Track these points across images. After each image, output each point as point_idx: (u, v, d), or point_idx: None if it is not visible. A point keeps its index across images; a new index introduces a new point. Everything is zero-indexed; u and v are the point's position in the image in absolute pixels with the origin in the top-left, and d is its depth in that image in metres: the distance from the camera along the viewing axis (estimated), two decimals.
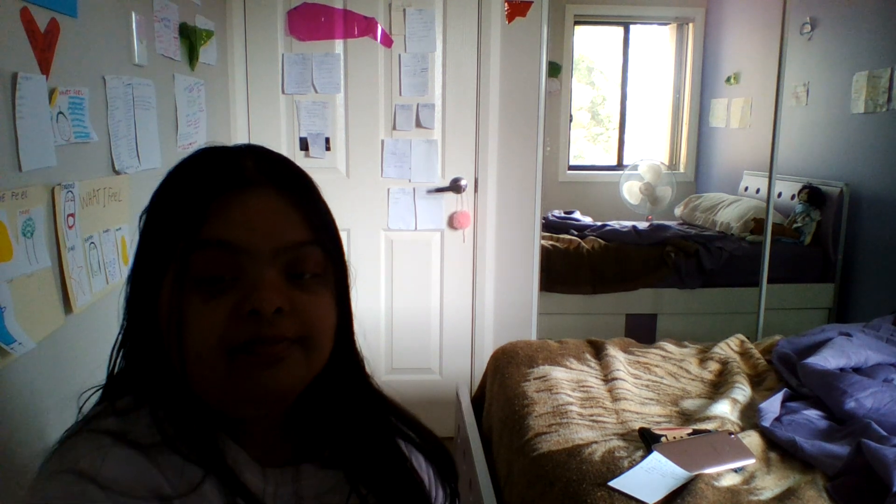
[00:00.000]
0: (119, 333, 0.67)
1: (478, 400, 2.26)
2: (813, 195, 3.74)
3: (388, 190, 2.72)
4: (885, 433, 1.59)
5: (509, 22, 2.67)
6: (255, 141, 2.66)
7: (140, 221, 0.66)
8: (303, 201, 0.64)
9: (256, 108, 2.65)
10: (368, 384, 0.74)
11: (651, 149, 5.86)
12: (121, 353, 0.67)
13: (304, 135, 2.68)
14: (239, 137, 2.62)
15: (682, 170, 5.67)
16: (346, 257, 0.69)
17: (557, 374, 2.00)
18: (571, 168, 5.68)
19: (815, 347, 2.05)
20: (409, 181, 2.73)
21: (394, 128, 2.70)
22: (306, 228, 0.63)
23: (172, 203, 0.63)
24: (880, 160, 3.44)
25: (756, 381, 2.06)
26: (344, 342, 0.69)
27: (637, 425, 1.68)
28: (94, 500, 0.55)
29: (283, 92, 2.65)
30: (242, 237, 0.60)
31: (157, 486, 0.58)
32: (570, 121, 5.63)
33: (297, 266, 0.62)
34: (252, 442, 0.66)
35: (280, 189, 0.63)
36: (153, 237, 0.64)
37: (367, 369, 0.74)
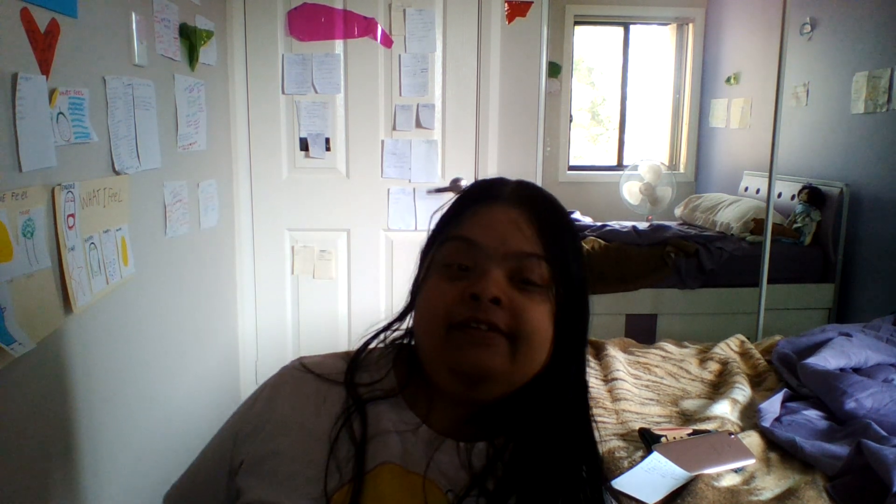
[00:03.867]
0: (403, 307, 0.83)
1: None
2: (813, 195, 3.74)
3: (388, 190, 2.72)
4: (884, 433, 1.59)
5: (509, 22, 2.67)
6: (255, 141, 2.67)
7: (429, 223, 0.84)
8: (542, 222, 0.75)
9: (256, 109, 2.65)
10: (585, 418, 0.80)
11: (651, 149, 5.86)
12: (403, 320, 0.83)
13: (304, 135, 2.68)
14: (239, 137, 2.63)
15: (682, 170, 5.67)
16: (585, 287, 0.77)
17: None
18: (571, 168, 5.68)
19: (815, 348, 2.05)
20: (409, 181, 2.73)
21: (394, 128, 2.70)
22: (538, 244, 0.74)
23: (451, 207, 0.81)
24: (880, 160, 3.44)
25: (756, 381, 2.06)
26: (565, 360, 0.75)
27: (637, 425, 1.68)
28: (300, 380, 0.78)
29: (283, 92, 2.65)
30: (480, 237, 0.74)
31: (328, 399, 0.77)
32: (570, 121, 5.63)
33: (523, 273, 0.73)
34: (444, 415, 0.76)
35: (525, 209, 0.75)
36: (433, 233, 0.82)
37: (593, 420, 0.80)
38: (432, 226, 0.83)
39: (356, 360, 0.80)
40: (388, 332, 0.83)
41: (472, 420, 0.75)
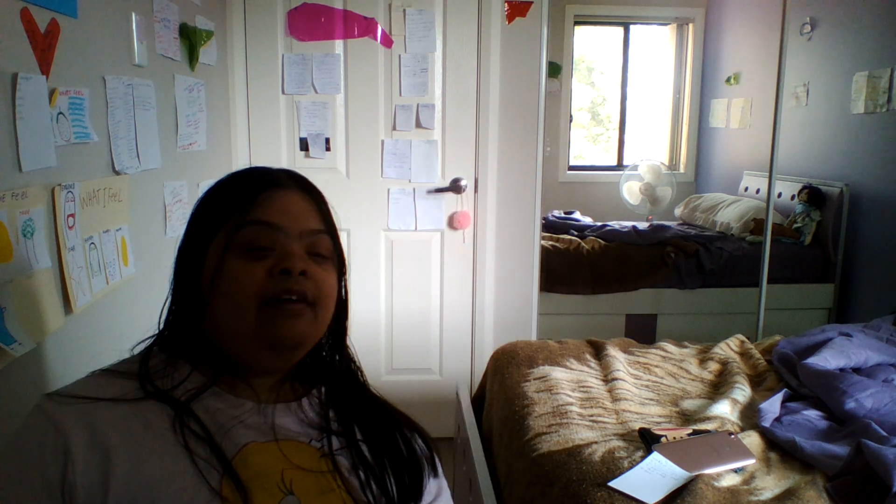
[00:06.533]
0: (167, 299, 0.87)
1: (478, 400, 2.26)
2: (813, 195, 3.74)
3: (388, 190, 2.72)
4: (885, 433, 1.59)
5: (509, 22, 2.67)
6: (255, 141, 2.67)
7: (193, 209, 0.87)
8: (318, 203, 0.87)
9: (256, 109, 2.65)
10: (346, 352, 0.94)
11: (651, 149, 5.86)
12: (167, 317, 0.87)
13: (304, 135, 2.68)
14: (239, 138, 2.63)
15: (682, 170, 5.67)
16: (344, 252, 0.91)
17: (557, 374, 2.00)
18: (571, 168, 5.68)
19: (815, 348, 2.05)
20: (409, 181, 2.73)
21: (394, 128, 2.70)
22: (321, 221, 0.86)
23: (225, 195, 0.85)
24: (880, 160, 3.44)
25: (756, 381, 2.06)
26: (341, 317, 0.90)
27: (637, 425, 1.68)
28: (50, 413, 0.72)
29: (283, 92, 2.65)
30: (279, 220, 0.82)
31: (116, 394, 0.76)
32: (570, 121, 5.63)
33: (315, 247, 0.84)
34: (263, 386, 0.84)
35: (304, 192, 0.86)
36: (204, 218, 0.84)
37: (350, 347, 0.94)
38: (194, 214, 0.87)
39: (146, 371, 0.79)
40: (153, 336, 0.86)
41: (284, 382, 0.86)
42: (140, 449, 0.72)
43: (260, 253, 0.80)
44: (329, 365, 0.91)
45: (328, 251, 0.85)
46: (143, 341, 0.86)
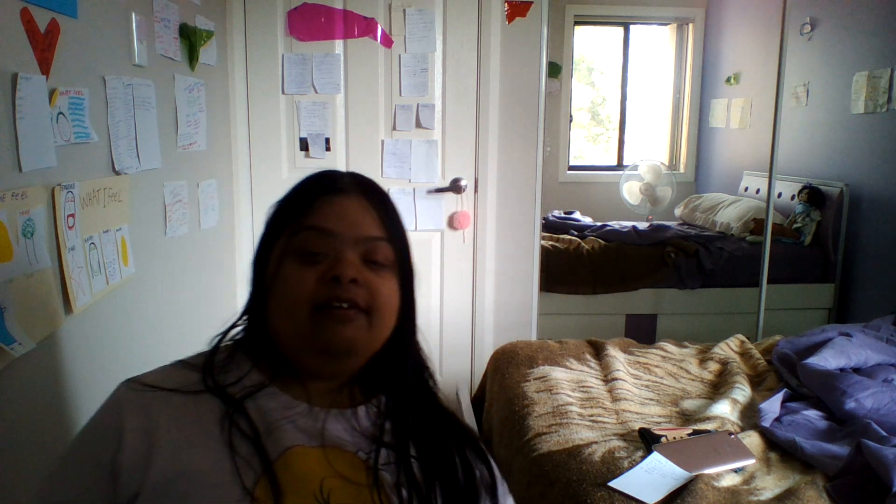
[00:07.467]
0: (247, 302, 0.87)
1: (478, 400, 2.26)
2: (813, 195, 3.74)
3: (389, 190, 2.71)
4: (885, 433, 1.59)
5: (509, 22, 2.67)
6: (255, 142, 2.67)
7: (268, 212, 0.88)
8: (381, 209, 0.85)
9: (256, 109, 2.65)
10: (424, 364, 0.91)
11: (651, 149, 5.86)
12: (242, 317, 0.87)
13: (304, 135, 2.68)
14: (239, 138, 2.62)
15: (682, 170, 5.67)
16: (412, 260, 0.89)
17: (557, 374, 2.00)
18: (571, 168, 5.68)
19: (814, 348, 2.05)
20: (409, 181, 2.73)
21: (394, 128, 2.70)
22: (381, 228, 0.84)
23: (290, 199, 0.86)
24: (880, 160, 3.44)
25: (756, 381, 2.06)
26: (406, 326, 0.88)
27: (637, 425, 1.68)
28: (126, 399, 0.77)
29: (283, 92, 2.65)
30: (333, 226, 0.81)
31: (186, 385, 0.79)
32: (570, 121, 5.62)
33: (372, 255, 0.82)
34: (319, 390, 0.83)
35: (366, 197, 0.85)
36: (272, 221, 0.86)
37: (426, 357, 0.92)
38: (266, 219, 0.87)
39: (211, 365, 0.82)
40: (230, 331, 0.87)
41: (344, 389, 0.84)
42: (184, 440, 0.74)
43: (314, 259, 0.80)
44: (392, 374, 0.87)
45: (386, 259, 0.83)
46: (219, 334, 0.86)
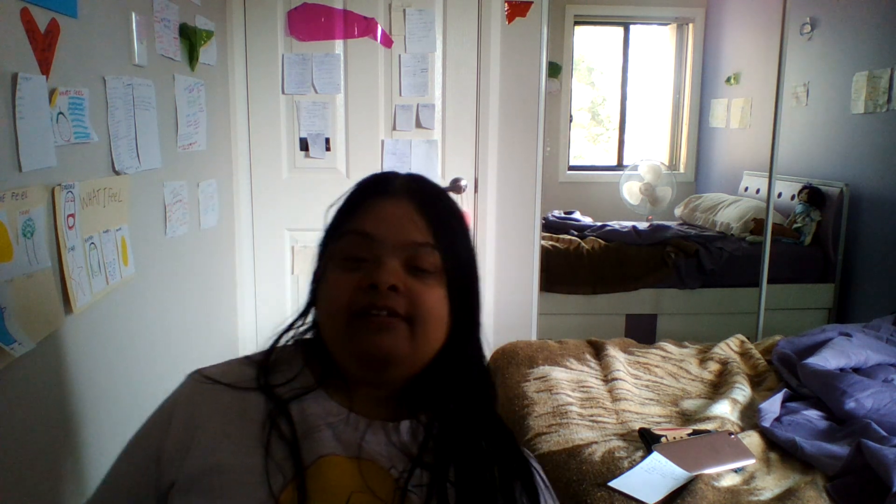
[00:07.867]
0: (307, 301, 0.86)
1: None
2: (813, 195, 3.74)
3: None
4: (885, 433, 1.59)
5: (509, 22, 2.67)
6: (255, 141, 2.67)
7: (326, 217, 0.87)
8: (431, 213, 0.81)
9: (256, 109, 2.65)
10: (486, 381, 0.86)
11: (651, 149, 5.86)
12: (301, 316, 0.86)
13: (304, 135, 2.68)
14: (239, 138, 2.62)
15: (682, 170, 5.67)
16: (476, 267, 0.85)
17: (557, 374, 2.00)
18: (571, 168, 5.68)
19: (814, 348, 2.05)
20: None
21: (394, 128, 2.70)
22: (428, 234, 0.79)
23: (344, 201, 0.85)
24: (880, 160, 3.44)
25: (756, 381, 2.06)
26: (463, 338, 0.82)
27: (637, 425, 1.68)
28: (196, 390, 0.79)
29: (283, 92, 2.65)
30: (374, 230, 0.78)
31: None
32: (570, 121, 5.63)
33: (416, 261, 0.78)
34: (365, 400, 0.80)
35: (416, 201, 0.81)
36: (328, 227, 0.85)
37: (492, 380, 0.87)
38: (328, 220, 0.86)
39: (267, 363, 0.82)
40: (293, 330, 0.86)
41: (392, 401, 0.81)
42: (222, 435, 0.75)
43: (356, 264, 0.77)
44: (441, 390, 0.81)
45: (433, 266, 0.78)
46: (277, 334, 0.86)
